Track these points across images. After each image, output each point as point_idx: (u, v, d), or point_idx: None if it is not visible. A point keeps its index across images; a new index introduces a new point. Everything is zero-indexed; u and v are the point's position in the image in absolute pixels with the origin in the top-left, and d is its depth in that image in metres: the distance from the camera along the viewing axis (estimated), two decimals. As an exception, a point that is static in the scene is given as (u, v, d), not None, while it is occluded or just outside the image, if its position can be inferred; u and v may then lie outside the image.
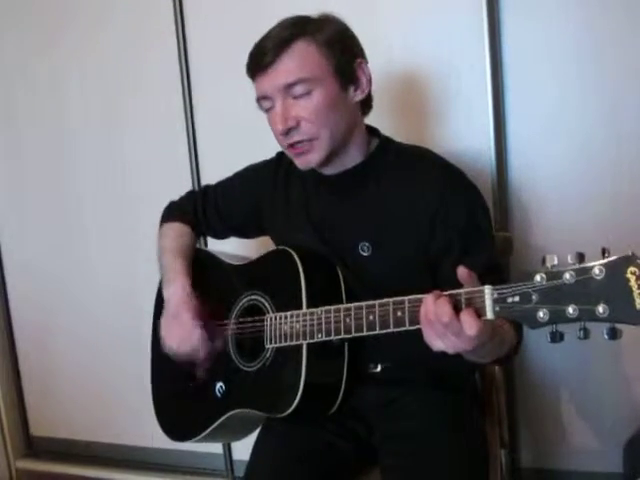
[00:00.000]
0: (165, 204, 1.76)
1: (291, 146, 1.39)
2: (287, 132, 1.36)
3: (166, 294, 1.56)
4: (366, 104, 1.45)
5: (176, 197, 1.76)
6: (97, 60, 2.36)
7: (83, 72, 2.39)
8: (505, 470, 1.94)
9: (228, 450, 2.43)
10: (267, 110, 1.39)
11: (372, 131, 1.50)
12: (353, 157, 1.44)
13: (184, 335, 1.49)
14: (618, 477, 1.87)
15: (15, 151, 2.58)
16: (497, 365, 1.63)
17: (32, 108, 2.51)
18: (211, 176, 1.76)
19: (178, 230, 1.68)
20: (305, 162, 1.40)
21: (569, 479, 2.01)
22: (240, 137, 2.12)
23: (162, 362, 1.70)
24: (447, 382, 1.47)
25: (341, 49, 1.36)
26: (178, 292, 1.53)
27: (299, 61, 1.32)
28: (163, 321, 1.53)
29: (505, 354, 1.29)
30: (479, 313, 1.05)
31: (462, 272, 1.09)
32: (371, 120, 1.50)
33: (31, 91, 2.50)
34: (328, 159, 1.40)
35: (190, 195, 1.75)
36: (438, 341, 1.09)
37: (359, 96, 1.40)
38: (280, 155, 1.59)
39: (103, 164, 2.44)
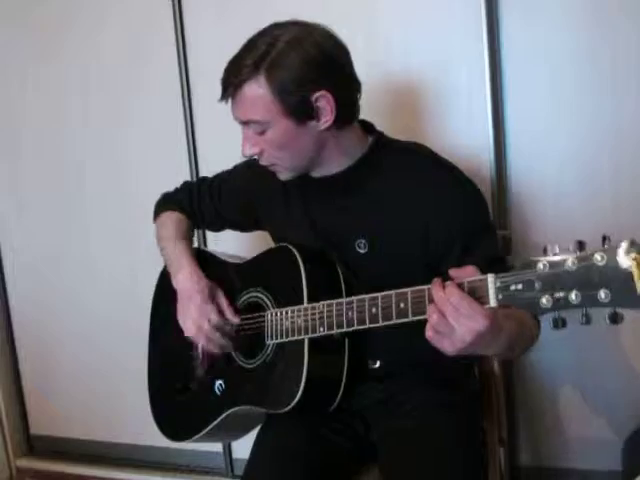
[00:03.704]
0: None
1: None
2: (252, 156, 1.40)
3: (175, 283, 1.55)
4: (343, 119, 1.38)
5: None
6: (97, 61, 2.36)
7: (83, 73, 2.39)
8: (504, 468, 1.95)
9: (228, 449, 2.44)
10: None
11: (367, 127, 1.48)
12: (338, 163, 1.43)
13: (201, 314, 1.48)
14: (617, 475, 1.87)
15: (16, 150, 2.58)
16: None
17: (33, 109, 2.51)
18: (211, 174, 1.77)
19: (174, 217, 1.69)
20: (280, 177, 1.45)
21: (568, 477, 2.02)
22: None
23: (159, 360, 1.71)
24: (446, 380, 1.48)
25: (297, 87, 1.31)
26: (187, 278, 1.53)
27: (249, 105, 1.33)
28: (179, 308, 1.53)
29: (532, 336, 1.31)
30: (482, 301, 1.06)
31: (454, 272, 1.11)
32: (370, 118, 1.50)
33: (32, 92, 2.50)
34: (305, 172, 1.44)
35: (185, 186, 1.75)
36: (447, 341, 1.09)
37: (323, 125, 1.35)
38: None
39: (103, 163, 2.44)
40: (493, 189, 1.91)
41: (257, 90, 1.31)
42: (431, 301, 1.11)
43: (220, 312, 1.49)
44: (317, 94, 1.31)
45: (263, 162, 1.41)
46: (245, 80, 1.31)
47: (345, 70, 1.38)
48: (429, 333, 1.10)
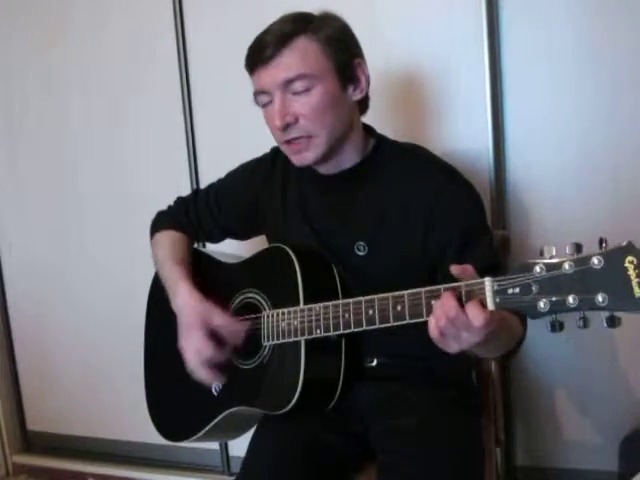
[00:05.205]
0: (163, 203, 1.74)
1: (287, 143, 1.38)
2: (285, 128, 1.35)
3: (174, 307, 1.51)
4: (363, 104, 1.45)
5: (173, 197, 1.74)
6: (97, 60, 2.37)
7: (83, 72, 2.40)
8: (500, 468, 1.96)
9: (225, 446, 2.44)
10: (264, 105, 1.39)
11: (368, 130, 1.50)
12: (350, 157, 1.44)
13: (200, 349, 1.43)
14: (614, 475, 1.87)
15: (15, 149, 2.59)
16: (508, 357, 1.62)
17: (32, 108, 2.52)
18: (210, 175, 1.76)
19: (171, 237, 1.65)
20: (301, 159, 1.40)
21: (565, 477, 2.02)
22: (239, 137, 2.12)
23: (156, 362, 1.71)
24: (443, 379, 1.48)
25: (342, 48, 1.36)
26: (182, 301, 1.49)
27: (300, 57, 1.32)
28: (180, 335, 1.48)
29: (514, 346, 1.31)
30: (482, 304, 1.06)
31: (455, 269, 1.10)
32: (370, 119, 1.51)
33: (31, 91, 2.50)
34: (325, 158, 1.40)
35: (180, 202, 1.72)
36: (451, 341, 1.10)
37: (358, 95, 1.40)
38: (275, 151, 1.58)
39: (102, 163, 2.44)
40: (492, 189, 1.91)
41: (308, 44, 1.33)
42: (431, 306, 1.12)
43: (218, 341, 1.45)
44: (357, 60, 1.38)
45: (294, 134, 1.36)
46: (294, 36, 1.32)
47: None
48: (436, 338, 1.11)
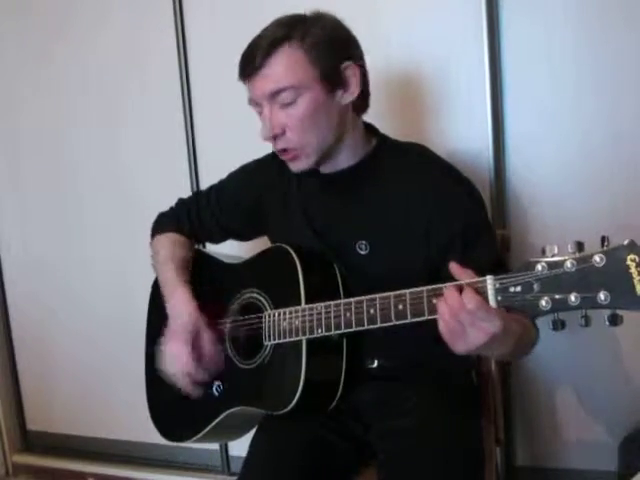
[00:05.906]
0: (163, 203, 1.73)
1: (280, 150, 1.40)
2: (274, 139, 1.37)
3: (168, 308, 1.53)
4: (361, 103, 1.44)
5: (173, 197, 1.74)
6: (97, 60, 2.36)
7: (83, 72, 2.39)
8: (500, 468, 1.96)
9: (225, 446, 2.44)
10: (259, 112, 1.40)
11: (370, 129, 1.50)
12: (347, 157, 1.44)
13: (178, 358, 1.46)
14: (613, 475, 1.87)
15: (15, 149, 2.59)
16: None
17: (32, 109, 2.52)
18: (210, 176, 1.76)
19: (172, 240, 1.65)
20: (295, 167, 1.42)
21: (564, 477, 2.01)
22: (239, 138, 2.11)
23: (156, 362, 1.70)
24: (444, 379, 1.48)
25: (329, 53, 1.35)
26: (178, 306, 1.50)
27: (284, 68, 1.32)
28: (167, 335, 1.50)
29: (532, 341, 1.33)
30: None
31: (454, 268, 1.10)
32: (370, 119, 1.50)
33: (31, 92, 2.50)
34: (320, 162, 1.41)
35: (181, 203, 1.72)
36: (460, 342, 1.09)
37: (348, 98, 1.38)
38: (275, 152, 1.58)
39: (102, 163, 2.44)
40: (492, 188, 1.91)
41: (293, 54, 1.32)
42: (433, 305, 1.11)
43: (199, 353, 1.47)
44: (345, 63, 1.36)
45: (282, 145, 1.38)
46: (279, 45, 1.32)
47: (361, 51, 1.43)
48: (446, 335, 1.10)
